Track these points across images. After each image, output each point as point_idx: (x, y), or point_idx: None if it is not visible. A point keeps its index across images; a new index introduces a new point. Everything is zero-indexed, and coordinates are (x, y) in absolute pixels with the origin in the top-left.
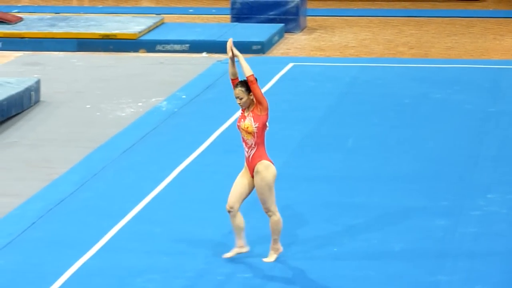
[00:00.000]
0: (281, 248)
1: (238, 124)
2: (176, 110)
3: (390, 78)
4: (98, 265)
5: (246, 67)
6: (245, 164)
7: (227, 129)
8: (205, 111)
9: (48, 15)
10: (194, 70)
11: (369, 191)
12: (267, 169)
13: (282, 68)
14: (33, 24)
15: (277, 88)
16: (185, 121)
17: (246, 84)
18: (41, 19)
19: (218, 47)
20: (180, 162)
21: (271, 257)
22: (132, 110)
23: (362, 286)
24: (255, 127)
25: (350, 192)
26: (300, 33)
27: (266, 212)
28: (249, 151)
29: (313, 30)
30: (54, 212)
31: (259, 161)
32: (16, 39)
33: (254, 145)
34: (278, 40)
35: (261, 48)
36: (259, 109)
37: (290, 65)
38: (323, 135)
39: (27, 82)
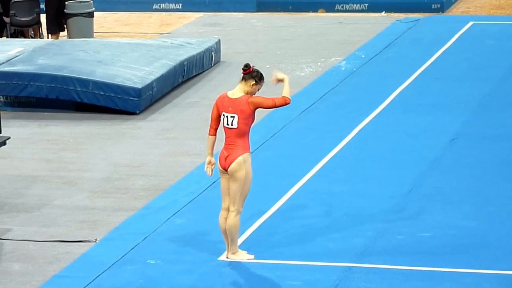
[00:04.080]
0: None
1: None
2: (355, 69)
3: None
4: (277, 224)
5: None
6: None
7: (406, 88)
8: (384, 70)
9: None
10: (373, 29)
11: None
12: None
13: (462, 27)
14: None
15: (457, 47)
16: (364, 80)
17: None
18: None
19: (397, 6)
20: (359, 122)
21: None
22: (311, 69)
23: None
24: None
25: None
26: None
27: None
28: None
29: None
30: None
31: None
32: (196, 0)
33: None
34: None
35: (441, 6)
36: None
37: (470, 23)
38: (504, 94)
39: (208, 42)
